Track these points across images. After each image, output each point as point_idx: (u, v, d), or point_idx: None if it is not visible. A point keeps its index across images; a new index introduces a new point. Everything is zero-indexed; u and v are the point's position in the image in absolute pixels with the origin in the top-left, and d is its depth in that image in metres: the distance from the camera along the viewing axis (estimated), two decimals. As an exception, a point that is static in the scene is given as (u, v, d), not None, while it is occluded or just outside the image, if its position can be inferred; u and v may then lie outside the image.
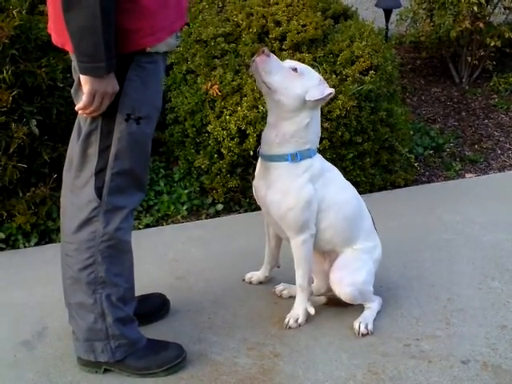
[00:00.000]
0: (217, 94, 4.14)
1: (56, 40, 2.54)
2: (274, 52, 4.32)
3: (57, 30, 2.48)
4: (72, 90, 2.61)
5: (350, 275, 3.05)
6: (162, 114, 4.47)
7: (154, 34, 2.45)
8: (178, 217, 4.24)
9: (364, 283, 3.09)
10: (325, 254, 3.16)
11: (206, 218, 4.27)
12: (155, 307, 3.20)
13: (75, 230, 2.63)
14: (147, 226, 4.13)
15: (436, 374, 2.81)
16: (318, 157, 3.04)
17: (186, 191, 4.36)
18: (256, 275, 3.42)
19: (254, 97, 4.05)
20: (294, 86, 2.83)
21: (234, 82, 4.14)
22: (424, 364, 2.87)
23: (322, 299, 3.31)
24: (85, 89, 2.36)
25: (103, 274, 2.65)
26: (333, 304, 3.26)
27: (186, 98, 4.31)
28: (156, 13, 2.42)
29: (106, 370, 2.82)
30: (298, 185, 2.91)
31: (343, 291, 3.05)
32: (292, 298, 3.22)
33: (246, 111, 4.02)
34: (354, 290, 3.05)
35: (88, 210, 2.59)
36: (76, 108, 2.46)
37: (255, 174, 3.10)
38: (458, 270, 3.58)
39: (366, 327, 3.06)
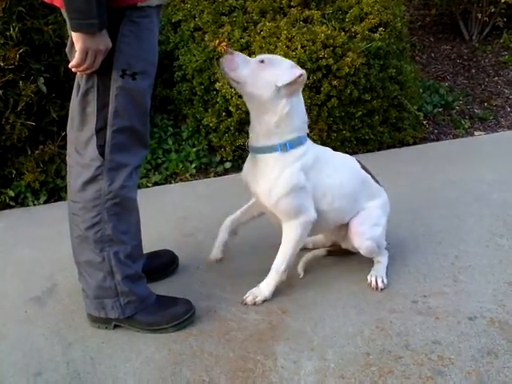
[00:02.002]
0: (225, 51, 4.11)
1: None
2: (282, 9, 4.31)
3: None
4: (67, 48, 2.58)
5: (370, 229, 3.09)
6: (169, 72, 4.47)
7: None
8: (187, 175, 4.25)
9: (381, 237, 3.14)
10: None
11: (214, 176, 4.28)
12: (164, 264, 3.22)
13: (80, 188, 2.63)
14: (156, 184, 4.14)
15: (443, 330, 2.82)
16: (309, 142, 2.98)
17: (195, 149, 4.37)
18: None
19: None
20: (263, 75, 2.78)
21: (242, 40, 4.12)
22: (431, 320, 2.88)
23: (323, 251, 3.32)
24: (77, 46, 2.33)
25: (110, 232, 2.67)
26: (333, 254, 3.30)
27: (194, 55, 4.29)
28: None
29: (115, 326, 2.85)
30: (289, 173, 2.86)
31: (364, 245, 3.09)
32: (307, 249, 3.26)
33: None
34: (373, 243, 3.09)
35: (92, 169, 2.59)
36: (69, 66, 2.43)
37: (244, 166, 3.05)
38: (466, 227, 3.58)
39: (382, 281, 3.09)
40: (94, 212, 2.64)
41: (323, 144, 4.15)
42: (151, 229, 3.49)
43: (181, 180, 4.22)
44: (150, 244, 3.15)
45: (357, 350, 2.71)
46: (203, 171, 4.33)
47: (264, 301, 3.01)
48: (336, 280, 3.16)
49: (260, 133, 2.87)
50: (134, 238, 2.78)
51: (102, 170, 2.58)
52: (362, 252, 3.12)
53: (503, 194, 3.90)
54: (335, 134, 4.28)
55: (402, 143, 4.61)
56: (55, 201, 3.96)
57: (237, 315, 2.94)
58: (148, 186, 4.07)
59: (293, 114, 2.85)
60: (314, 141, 4.08)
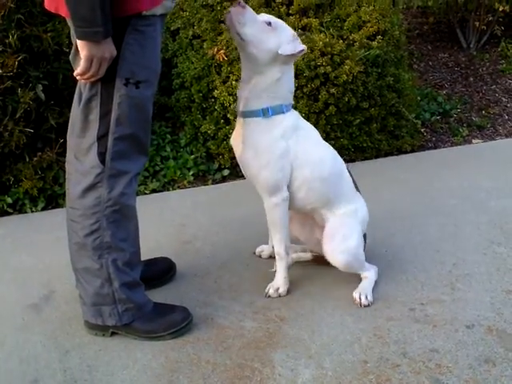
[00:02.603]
0: (223, 58, 4.13)
1: (48, 5, 2.52)
2: (280, 17, 4.31)
3: None
4: (70, 56, 2.60)
5: (342, 243, 3.02)
6: (168, 80, 4.48)
7: None
8: (185, 182, 4.25)
9: (356, 247, 3.05)
10: (312, 218, 3.14)
11: (212, 184, 4.28)
12: (162, 271, 3.22)
13: (80, 195, 2.63)
14: (153, 191, 4.14)
15: (441, 338, 2.82)
16: (293, 113, 3.00)
17: (192, 156, 4.37)
18: (266, 249, 3.40)
19: (260, 62, 4.03)
20: (267, 39, 2.81)
21: (241, 47, 4.12)
22: (429, 328, 2.88)
23: (308, 256, 3.34)
24: (82, 54, 2.34)
25: (109, 239, 2.67)
26: (319, 262, 3.27)
27: (193, 63, 4.30)
28: None
29: (112, 333, 2.85)
30: (270, 140, 2.89)
31: (338, 260, 3.04)
32: (272, 258, 3.21)
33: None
34: (348, 256, 3.03)
35: (92, 176, 2.59)
36: (74, 74, 2.45)
37: (233, 131, 3.08)
38: (464, 235, 3.58)
39: (366, 298, 3.04)
40: (93, 219, 2.64)
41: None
42: (149, 236, 3.49)
43: (179, 187, 4.22)
44: (147, 251, 3.15)
45: (354, 358, 2.71)
46: (201, 178, 4.33)
47: (287, 291, 3.10)
48: (333, 288, 3.16)
49: (247, 96, 2.89)
50: (133, 245, 2.78)
51: (101, 178, 2.59)
52: (340, 268, 3.07)
53: (501, 202, 3.90)
54: (333, 142, 4.28)
55: (400, 151, 4.62)
56: (53, 208, 3.96)
57: (234, 323, 2.93)
58: (146, 193, 4.08)
59: (283, 82, 2.89)
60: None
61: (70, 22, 2.45)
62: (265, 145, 2.89)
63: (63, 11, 2.40)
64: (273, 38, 2.81)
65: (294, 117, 2.98)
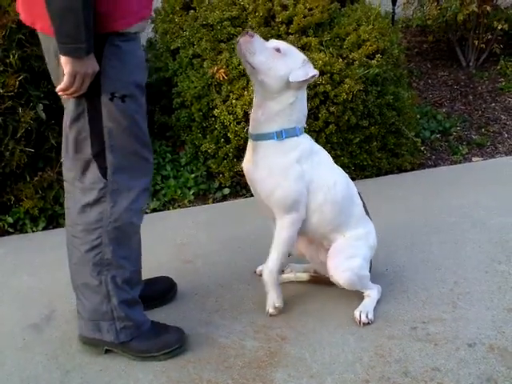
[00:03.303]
0: (223, 78, 4.14)
1: (25, 18, 2.53)
2: (280, 36, 4.33)
3: (26, 9, 2.49)
4: (52, 75, 2.61)
5: (346, 261, 3.03)
6: (168, 99, 4.49)
7: (124, 17, 2.45)
8: (185, 201, 4.25)
9: (360, 268, 3.06)
10: (319, 243, 3.15)
11: (213, 203, 4.28)
12: (162, 290, 3.22)
13: (81, 210, 2.63)
14: (154, 210, 4.14)
15: (442, 356, 2.82)
16: (306, 137, 3.01)
17: (193, 175, 4.37)
18: None
19: (260, 81, 4.04)
20: (278, 66, 2.81)
21: (241, 66, 4.14)
22: (430, 347, 2.88)
23: (304, 276, 3.34)
24: (65, 70, 2.36)
25: (109, 256, 2.66)
26: (315, 282, 3.29)
27: (193, 82, 4.31)
28: None
29: (107, 351, 2.84)
30: (285, 162, 2.89)
31: (341, 277, 3.04)
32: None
33: (252, 95, 4.02)
34: (352, 274, 3.03)
35: (95, 191, 2.59)
36: (57, 90, 2.45)
37: (245, 154, 3.06)
38: (465, 253, 3.58)
39: (367, 316, 3.04)
40: (95, 234, 2.64)
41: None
42: (150, 255, 3.48)
43: (179, 206, 4.22)
44: (148, 270, 3.15)
45: (356, 377, 2.70)
46: (202, 197, 4.33)
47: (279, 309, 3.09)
48: (335, 307, 3.16)
49: (260, 119, 2.89)
50: (134, 264, 2.78)
51: (105, 192, 2.59)
52: (342, 285, 3.07)
53: (501, 220, 3.90)
54: (333, 160, 4.28)
55: (400, 169, 4.62)
56: (54, 227, 3.95)
57: (235, 342, 2.93)
58: (146, 213, 4.06)
59: (296, 105, 2.89)
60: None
61: (44, 37, 2.48)
62: (279, 167, 2.89)
63: (39, 25, 2.43)
64: (283, 65, 2.81)
65: (308, 140, 2.99)
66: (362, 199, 3.15)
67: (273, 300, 3.07)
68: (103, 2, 2.35)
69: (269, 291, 3.06)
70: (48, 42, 2.48)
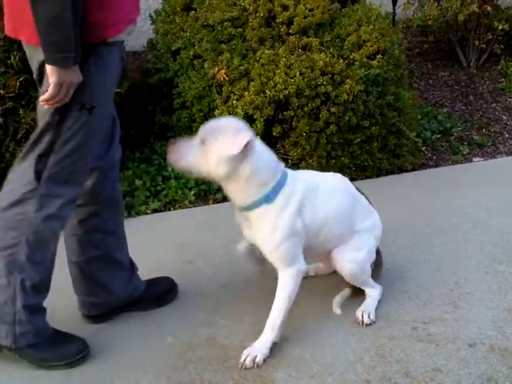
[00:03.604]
0: (224, 78, 4.14)
1: (9, 31, 2.52)
2: (280, 37, 4.33)
3: (12, 18, 2.47)
4: (38, 85, 2.58)
5: (351, 252, 3.04)
6: (169, 99, 4.49)
7: (115, 25, 2.45)
8: (186, 202, 4.24)
9: (365, 260, 3.08)
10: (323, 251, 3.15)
11: (214, 203, 4.28)
12: (163, 291, 3.22)
13: (7, 207, 2.60)
14: (155, 210, 4.14)
15: (443, 357, 2.82)
16: (293, 177, 2.87)
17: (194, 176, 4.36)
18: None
19: (261, 81, 4.05)
20: (210, 155, 2.67)
21: (241, 67, 4.14)
22: (431, 347, 2.88)
23: (311, 272, 3.34)
24: (51, 79, 2.33)
25: (23, 258, 2.61)
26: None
27: (194, 82, 4.32)
28: (116, 4, 2.42)
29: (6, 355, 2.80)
30: (285, 220, 2.79)
31: (345, 268, 3.05)
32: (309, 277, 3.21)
33: (253, 96, 4.02)
34: (356, 266, 3.04)
35: (24, 190, 2.57)
36: (40, 99, 2.42)
37: (235, 216, 2.94)
38: (466, 253, 3.58)
39: (369, 316, 3.04)
40: (14, 233, 2.60)
41: (322, 171, 4.17)
42: (150, 256, 3.49)
43: (180, 207, 4.22)
44: (148, 270, 3.16)
45: (357, 378, 2.70)
46: (202, 198, 4.33)
47: (265, 359, 2.82)
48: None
49: (237, 197, 2.80)
50: (45, 271, 2.72)
51: (33, 194, 2.56)
52: (345, 277, 3.08)
53: (502, 220, 3.90)
54: (334, 161, 4.29)
55: (401, 169, 4.62)
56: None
57: (236, 342, 2.93)
58: (147, 213, 4.07)
59: (258, 172, 2.72)
60: (313, 168, 4.11)
61: (28, 47, 2.48)
62: (280, 226, 2.79)
63: (24, 36, 2.42)
64: (214, 150, 2.66)
65: (295, 182, 2.86)
66: (362, 193, 3.15)
67: (257, 352, 2.83)
68: (93, 12, 2.35)
69: (260, 344, 2.86)
70: (32, 52, 2.47)
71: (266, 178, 2.75)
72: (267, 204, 2.77)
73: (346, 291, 3.21)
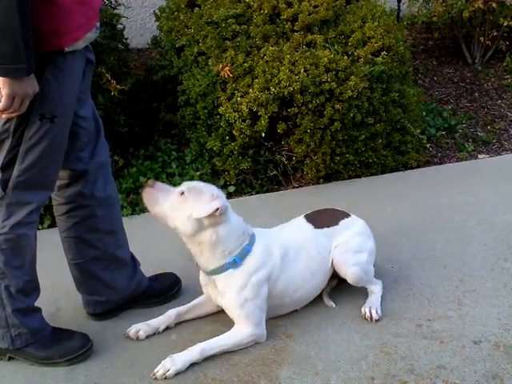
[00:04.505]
0: (228, 75, 4.14)
1: None
2: (285, 34, 4.33)
3: None
4: None
5: (353, 256, 3.07)
6: (173, 96, 4.48)
7: (71, 32, 2.40)
8: (190, 199, 4.24)
9: (367, 263, 3.11)
10: None
11: (218, 200, 4.27)
12: (167, 287, 3.23)
13: None
14: (159, 207, 4.13)
15: (448, 354, 2.81)
16: (260, 240, 2.92)
17: (198, 173, 4.37)
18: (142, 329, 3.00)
19: (265, 78, 4.04)
20: (183, 209, 2.73)
21: (246, 64, 4.13)
22: (436, 344, 2.88)
23: (334, 281, 3.31)
24: (4, 91, 2.27)
25: (2, 266, 2.62)
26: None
27: (198, 80, 4.31)
28: (72, 11, 2.37)
29: (10, 358, 2.82)
30: (252, 283, 2.83)
31: (350, 272, 3.07)
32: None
33: (257, 93, 4.02)
34: (359, 269, 3.07)
35: None
36: None
37: (200, 277, 3.00)
38: (470, 251, 3.57)
39: (377, 312, 3.04)
40: None
41: (326, 168, 4.17)
42: (155, 253, 3.50)
43: (184, 204, 4.21)
44: (153, 268, 3.16)
45: (361, 375, 2.70)
46: (206, 195, 4.32)
47: (176, 374, 2.72)
48: (340, 305, 3.15)
49: (200, 260, 2.84)
50: (28, 274, 2.73)
51: (0, 204, 2.55)
52: (350, 280, 3.10)
53: (507, 217, 3.89)
54: (338, 158, 4.28)
55: (406, 166, 4.61)
56: (59, 225, 3.96)
57: (240, 340, 2.93)
58: (152, 210, 4.07)
59: (223, 240, 2.79)
60: (318, 165, 4.10)
61: None
62: (248, 288, 2.83)
63: None
64: (187, 207, 2.73)
65: (264, 245, 2.91)
66: (328, 213, 3.23)
67: (172, 366, 2.73)
68: (47, 19, 2.30)
69: (181, 359, 2.76)
70: None
71: (231, 246, 2.82)
72: (234, 269, 2.82)
73: (333, 282, 3.23)
